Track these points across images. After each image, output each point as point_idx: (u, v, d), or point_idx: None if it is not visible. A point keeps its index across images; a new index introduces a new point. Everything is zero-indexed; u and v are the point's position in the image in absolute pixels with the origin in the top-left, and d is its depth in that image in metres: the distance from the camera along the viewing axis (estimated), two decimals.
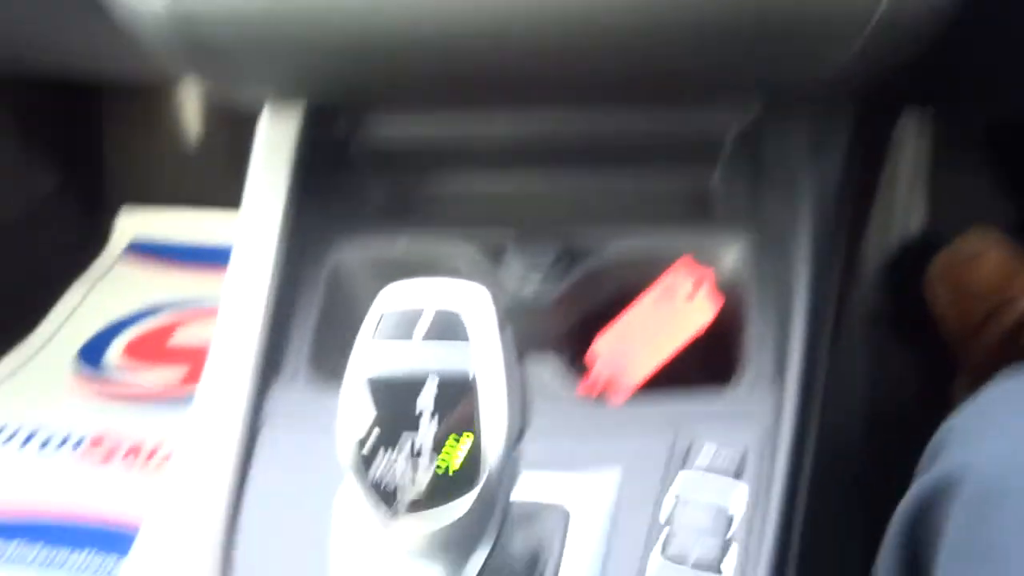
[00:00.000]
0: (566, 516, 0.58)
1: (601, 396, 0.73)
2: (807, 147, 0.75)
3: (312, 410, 0.68)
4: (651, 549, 0.56)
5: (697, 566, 0.56)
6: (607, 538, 0.57)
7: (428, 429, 0.43)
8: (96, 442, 1.43)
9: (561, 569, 0.55)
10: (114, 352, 1.59)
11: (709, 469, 0.60)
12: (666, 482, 0.60)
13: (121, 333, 1.63)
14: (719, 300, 0.72)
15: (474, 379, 0.43)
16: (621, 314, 0.74)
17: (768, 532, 0.56)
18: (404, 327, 0.45)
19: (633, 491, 0.59)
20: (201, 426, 0.67)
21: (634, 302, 0.74)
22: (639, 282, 0.75)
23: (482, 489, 0.43)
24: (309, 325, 0.74)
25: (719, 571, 0.55)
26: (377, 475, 0.43)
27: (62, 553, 1.27)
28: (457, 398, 0.43)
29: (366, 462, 0.43)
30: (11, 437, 1.45)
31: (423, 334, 0.44)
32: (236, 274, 0.75)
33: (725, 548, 0.56)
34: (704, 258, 0.74)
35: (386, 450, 0.43)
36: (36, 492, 1.36)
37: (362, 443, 0.44)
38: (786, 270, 0.70)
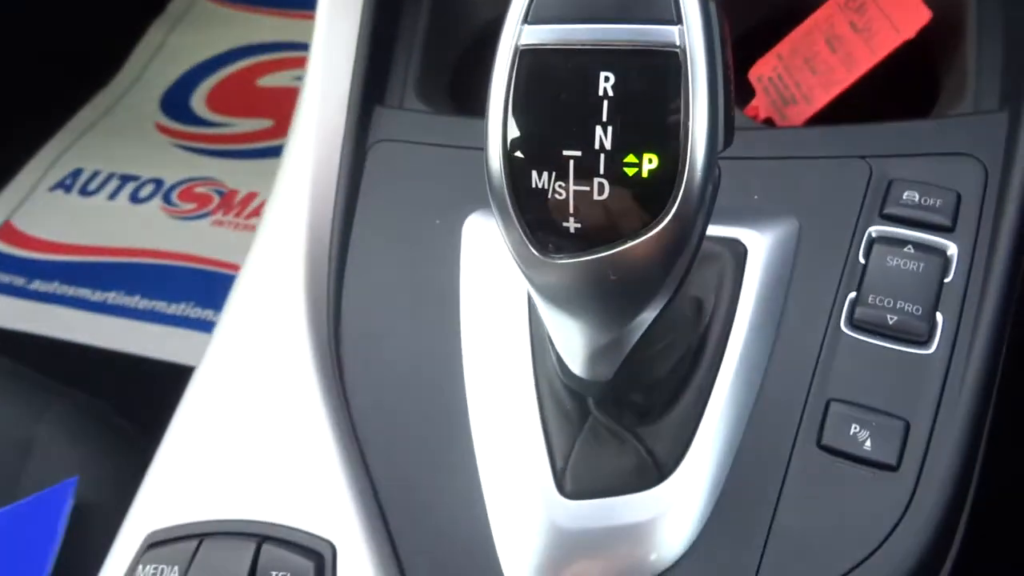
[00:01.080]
0: (742, 254, 0.47)
1: (769, 123, 0.59)
2: None
3: (423, 134, 0.56)
4: (838, 314, 0.45)
5: (895, 337, 0.44)
6: (784, 291, 0.46)
7: (606, 132, 0.31)
8: (187, 191, 1.37)
9: (734, 324, 0.45)
10: (197, 99, 1.50)
11: (911, 220, 0.47)
12: (857, 233, 0.47)
13: (204, 79, 1.54)
14: (926, 11, 0.55)
15: (680, 64, 0.30)
16: (794, 29, 0.59)
17: (989, 303, 0.44)
18: (571, 2, 0.31)
19: (816, 241, 0.47)
20: (299, 161, 0.57)
21: (811, 14, 0.59)
22: None
23: (679, 208, 0.31)
24: (416, 42, 0.61)
25: (925, 345, 0.44)
26: (533, 192, 0.32)
27: (160, 304, 1.25)
28: (649, 90, 0.30)
29: (519, 175, 0.32)
30: (102, 186, 1.41)
31: (599, 11, 0.31)
32: None
33: (931, 319, 0.44)
34: None
35: (547, 160, 0.31)
36: (131, 239, 1.33)
37: (513, 150, 0.32)
38: None
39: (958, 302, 0.45)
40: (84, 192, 1.40)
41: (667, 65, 0.31)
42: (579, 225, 0.32)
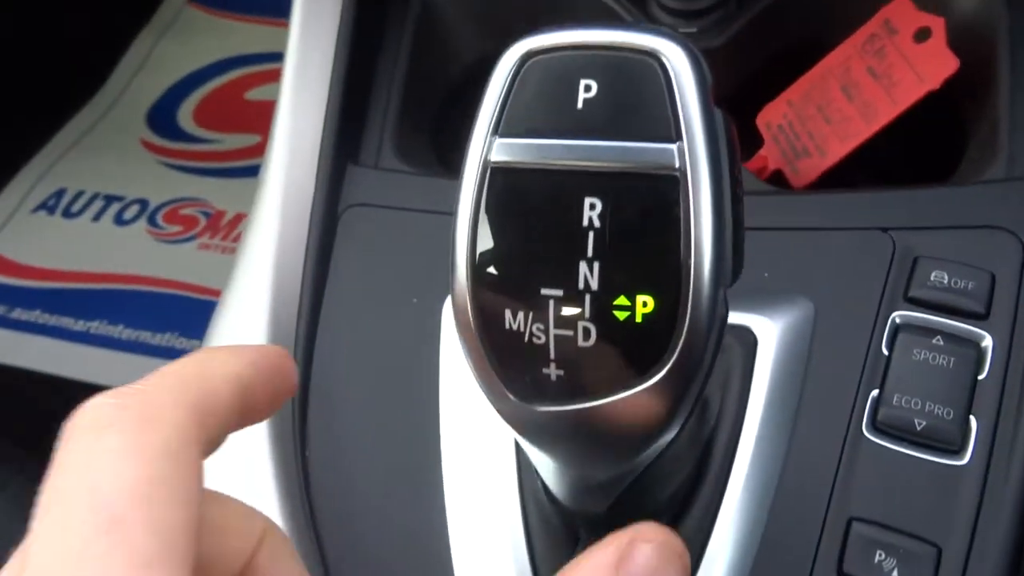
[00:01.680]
0: (752, 344, 0.42)
1: (779, 176, 0.54)
2: None
3: (401, 197, 0.51)
4: (859, 416, 0.40)
5: (924, 445, 0.39)
6: (799, 388, 0.41)
7: (592, 269, 0.26)
8: (172, 213, 1.32)
9: (743, 429, 0.40)
10: (184, 114, 1.45)
11: (940, 305, 0.42)
12: (880, 319, 0.42)
13: (191, 92, 1.48)
14: (953, 59, 0.50)
15: (679, 189, 0.25)
16: (807, 72, 0.54)
17: None
18: (550, 113, 0.27)
19: (833, 327, 0.42)
20: (263, 233, 0.52)
21: (826, 56, 0.54)
22: (831, 30, 0.54)
23: (679, 357, 0.26)
24: (394, 90, 0.56)
25: (957, 455, 0.39)
26: (507, 333, 0.27)
27: (144, 334, 1.20)
28: (643, 220, 0.26)
29: (490, 314, 0.27)
30: (86, 207, 1.36)
31: (582, 125, 0.26)
32: (302, 22, 0.57)
33: (964, 423, 0.40)
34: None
35: (523, 299, 0.27)
36: (116, 264, 1.28)
37: (483, 284, 0.27)
38: None
39: (994, 404, 0.40)
40: (68, 214, 1.36)
41: (664, 191, 0.26)
42: (562, 373, 0.27)
